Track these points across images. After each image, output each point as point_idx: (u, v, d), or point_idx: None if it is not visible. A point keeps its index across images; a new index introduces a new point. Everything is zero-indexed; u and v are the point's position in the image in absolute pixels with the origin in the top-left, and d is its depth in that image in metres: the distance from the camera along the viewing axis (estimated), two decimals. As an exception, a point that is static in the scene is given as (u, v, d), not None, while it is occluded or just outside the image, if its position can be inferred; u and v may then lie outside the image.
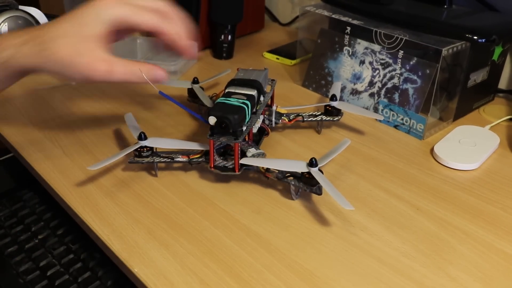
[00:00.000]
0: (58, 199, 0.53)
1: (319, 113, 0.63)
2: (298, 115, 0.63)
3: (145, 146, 0.53)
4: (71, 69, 0.47)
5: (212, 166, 0.52)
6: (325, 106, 0.63)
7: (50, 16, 0.83)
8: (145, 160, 0.53)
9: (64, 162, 0.57)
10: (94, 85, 0.76)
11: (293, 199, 0.51)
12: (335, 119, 0.63)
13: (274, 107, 0.62)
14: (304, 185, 0.49)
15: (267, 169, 0.51)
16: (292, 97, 0.74)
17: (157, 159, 0.53)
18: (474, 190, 0.53)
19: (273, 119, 0.61)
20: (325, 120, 0.63)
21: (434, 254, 0.44)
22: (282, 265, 0.43)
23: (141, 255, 0.44)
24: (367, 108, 0.68)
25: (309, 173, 0.48)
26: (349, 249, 0.45)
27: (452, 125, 0.66)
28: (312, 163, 0.48)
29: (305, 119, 0.63)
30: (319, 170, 0.49)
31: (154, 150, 0.54)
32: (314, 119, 0.63)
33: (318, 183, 0.48)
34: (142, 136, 0.53)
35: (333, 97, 0.62)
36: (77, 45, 0.47)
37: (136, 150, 0.53)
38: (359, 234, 0.46)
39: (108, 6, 0.48)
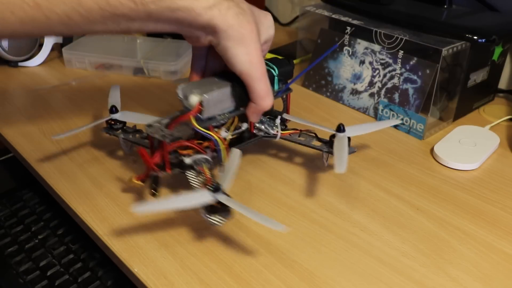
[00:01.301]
0: (58, 199, 0.53)
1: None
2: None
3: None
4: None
5: None
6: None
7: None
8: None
9: (64, 162, 0.57)
10: (94, 85, 0.76)
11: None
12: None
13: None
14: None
15: None
16: (292, 97, 0.74)
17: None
18: (474, 190, 0.53)
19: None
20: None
21: (434, 254, 0.44)
22: (282, 265, 0.43)
23: (141, 255, 0.44)
24: (367, 108, 0.68)
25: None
26: (349, 249, 0.45)
27: (452, 125, 0.66)
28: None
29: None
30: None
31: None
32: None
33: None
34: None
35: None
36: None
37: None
38: (359, 234, 0.46)
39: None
